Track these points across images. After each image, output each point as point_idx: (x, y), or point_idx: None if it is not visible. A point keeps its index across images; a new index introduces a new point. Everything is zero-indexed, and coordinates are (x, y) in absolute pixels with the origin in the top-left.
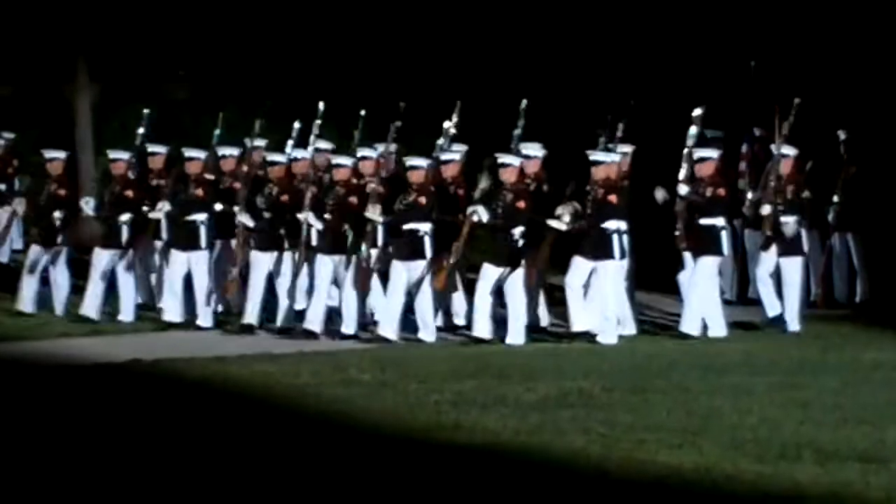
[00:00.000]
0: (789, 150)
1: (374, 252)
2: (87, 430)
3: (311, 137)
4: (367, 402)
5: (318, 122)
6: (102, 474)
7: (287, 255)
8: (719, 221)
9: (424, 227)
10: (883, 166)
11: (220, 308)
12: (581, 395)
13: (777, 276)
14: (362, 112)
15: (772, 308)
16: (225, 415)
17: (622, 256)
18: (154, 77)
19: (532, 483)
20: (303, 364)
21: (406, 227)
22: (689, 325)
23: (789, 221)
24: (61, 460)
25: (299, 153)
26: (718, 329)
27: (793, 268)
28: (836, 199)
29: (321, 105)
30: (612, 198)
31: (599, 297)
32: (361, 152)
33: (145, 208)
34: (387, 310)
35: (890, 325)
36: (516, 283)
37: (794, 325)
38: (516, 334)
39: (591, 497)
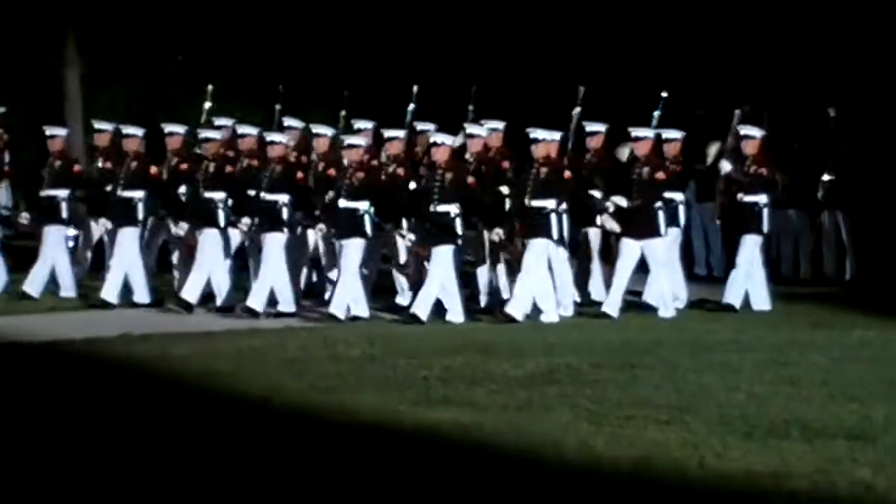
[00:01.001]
0: (754, 132)
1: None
2: (80, 404)
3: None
4: (356, 377)
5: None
6: (91, 445)
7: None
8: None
9: (363, 206)
10: (872, 144)
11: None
12: (569, 371)
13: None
14: (346, 93)
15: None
16: (213, 389)
17: (559, 236)
18: (142, 53)
19: (518, 459)
20: (290, 339)
21: (344, 205)
22: (657, 301)
23: (758, 201)
24: (57, 440)
25: (245, 129)
26: (613, 309)
27: (751, 246)
28: (825, 177)
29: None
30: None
31: (533, 277)
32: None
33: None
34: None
35: (878, 302)
36: (443, 261)
37: (764, 303)
38: (455, 312)
39: (578, 472)
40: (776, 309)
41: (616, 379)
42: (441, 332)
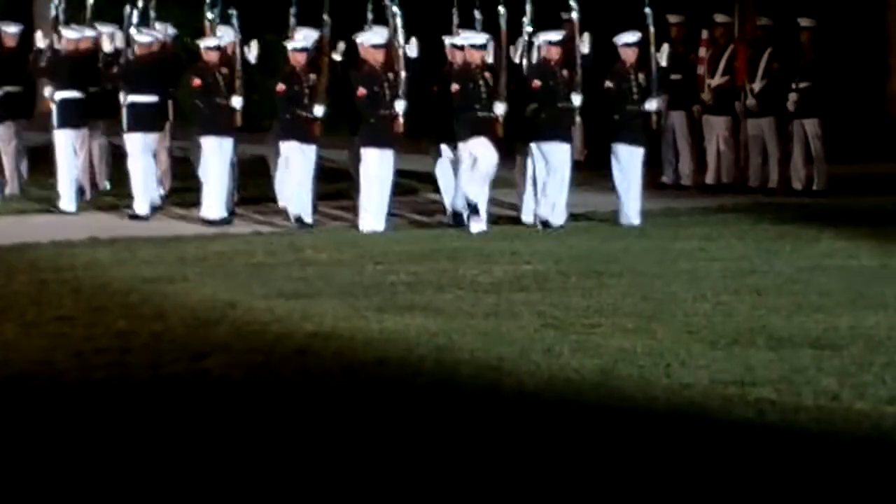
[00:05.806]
0: (632, 38)
1: None
2: (38, 308)
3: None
4: (323, 282)
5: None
6: (48, 352)
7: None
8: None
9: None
10: (842, 52)
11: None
12: (536, 277)
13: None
14: None
15: None
16: (179, 293)
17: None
18: None
19: (484, 365)
20: (258, 244)
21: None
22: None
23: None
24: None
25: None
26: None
27: (636, 158)
28: (795, 86)
29: None
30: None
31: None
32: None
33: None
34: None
35: (846, 213)
36: (367, 167)
37: (634, 218)
38: (375, 220)
39: (544, 379)
40: (743, 218)
41: (583, 286)
42: (409, 238)
